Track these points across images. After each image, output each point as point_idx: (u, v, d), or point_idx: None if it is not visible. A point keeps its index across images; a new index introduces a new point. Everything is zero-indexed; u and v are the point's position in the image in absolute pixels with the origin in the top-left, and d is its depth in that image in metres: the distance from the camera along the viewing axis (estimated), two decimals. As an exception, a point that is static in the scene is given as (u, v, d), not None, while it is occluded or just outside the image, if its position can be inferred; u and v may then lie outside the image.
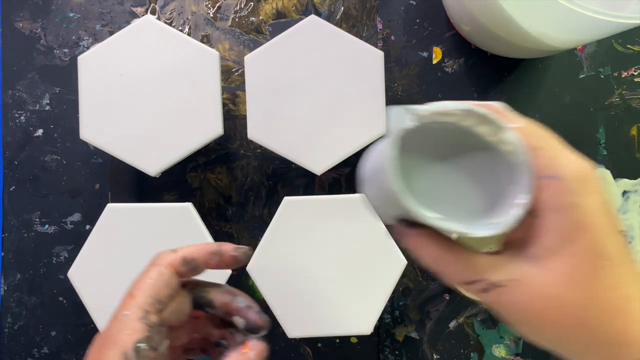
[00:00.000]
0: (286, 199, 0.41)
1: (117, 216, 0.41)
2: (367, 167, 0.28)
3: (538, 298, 0.23)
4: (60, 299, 0.48)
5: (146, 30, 0.41)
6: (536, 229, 0.23)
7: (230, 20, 0.49)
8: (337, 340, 0.48)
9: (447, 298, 0.48)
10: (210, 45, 0.49)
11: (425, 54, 0.50)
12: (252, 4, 0.49)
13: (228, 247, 0.29)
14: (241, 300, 0.30)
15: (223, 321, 0.32)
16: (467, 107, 0.23)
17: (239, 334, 0.30)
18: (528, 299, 0.23)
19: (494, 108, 0.24)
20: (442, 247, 0.24)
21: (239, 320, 0.30)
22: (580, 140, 0.49)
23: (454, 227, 0.23)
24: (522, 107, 0.49)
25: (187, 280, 0.30)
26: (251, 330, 0.29)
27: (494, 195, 0.25)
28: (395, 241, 0.40)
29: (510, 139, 0.23)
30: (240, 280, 0.48)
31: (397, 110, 0.24)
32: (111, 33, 0.47)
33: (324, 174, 0.42)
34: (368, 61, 0.41)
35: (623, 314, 0.22)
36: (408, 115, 0.23)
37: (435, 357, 0.48)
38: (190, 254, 0.28)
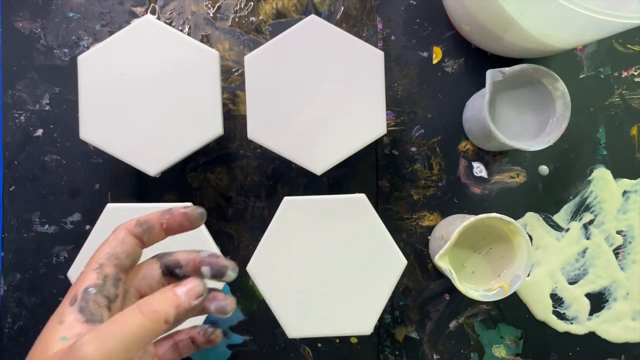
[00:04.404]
0: (286, 199, 0.41)
1: (117, 216, 0.41)
2: (468, 107, 0.48)
3: None
4: (60, 299, 0.48)
5: (146, 30, 0.41)
6: None
7: (230, 20, 0.49)
8: (337, 340, 0.48)
9: (447, 298, 0.48)
10: (210, 45, 0.49)
11: (425, 54, 0.50)
12: (252, 3, 0.49)
13: (178, 207, 0.31)
14: (205, 252, 0.30)
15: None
16: (536, 65, 0.43)
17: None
18: None
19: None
20: None
21: (205, 270, 0.29)
22: (580, 140, 0.49)
23: (518, 145, 0.43)
24: (522, 107, 0.49)
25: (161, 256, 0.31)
26: (217, 274, 0.29)
27: (543, 123, 0.45)
28: None
29: (560, 87, 0.43)
30: (241, 281, 0.48)
31: (492, 70, 0.43)
32: (111, 33, 0.47)
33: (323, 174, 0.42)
34: (368, 61, 0.41)
35: None
36: (499, 72, 0.43)
37: (435, 357, 0.48)
38: (144, 217, 0.30)
